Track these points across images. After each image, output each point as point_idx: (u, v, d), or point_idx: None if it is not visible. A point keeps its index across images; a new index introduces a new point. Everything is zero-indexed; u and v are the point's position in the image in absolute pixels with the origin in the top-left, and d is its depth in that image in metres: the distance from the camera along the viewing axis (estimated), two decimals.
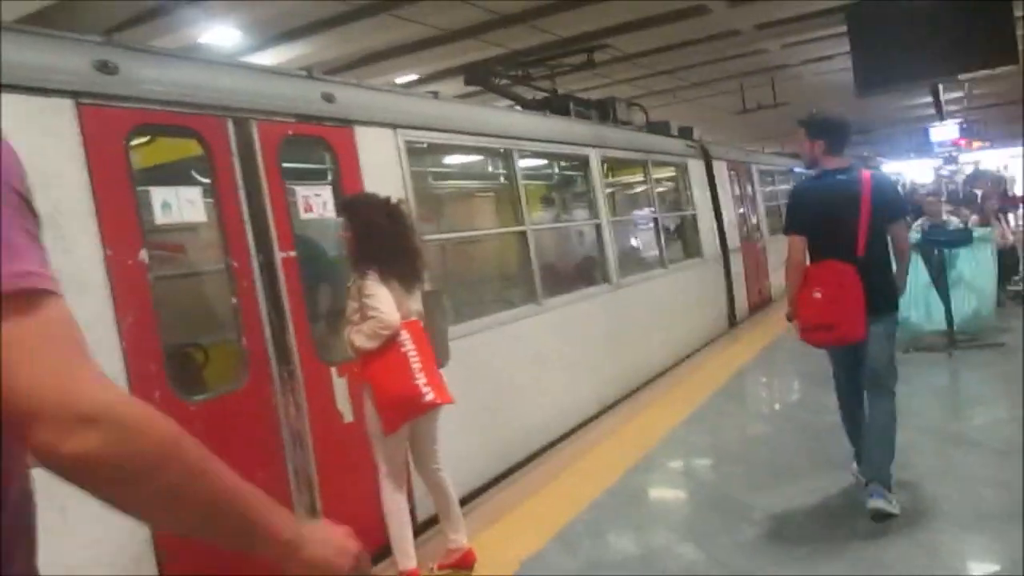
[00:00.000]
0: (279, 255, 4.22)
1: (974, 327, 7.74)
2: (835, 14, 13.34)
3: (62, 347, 0.91)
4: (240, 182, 4.06)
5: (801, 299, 4.27)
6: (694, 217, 10.86)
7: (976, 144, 30.29)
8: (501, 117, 6.97)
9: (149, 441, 0.93)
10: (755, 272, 13.28)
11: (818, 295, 4.16)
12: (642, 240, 10.34)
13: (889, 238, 4.33)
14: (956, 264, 7.63)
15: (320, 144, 4.71)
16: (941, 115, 21.91)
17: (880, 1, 12.97)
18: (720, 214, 11.68)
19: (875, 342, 4.21)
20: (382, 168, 5.01)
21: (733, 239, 12.11)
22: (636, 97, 19.62)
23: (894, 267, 4.36)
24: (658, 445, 5.93)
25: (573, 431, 6.68)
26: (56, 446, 0.86)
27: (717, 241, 11.49)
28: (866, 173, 4.32)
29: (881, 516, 4.08)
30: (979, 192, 13.91)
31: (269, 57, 11.88)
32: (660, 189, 11.06)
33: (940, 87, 18.75)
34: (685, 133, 12.06)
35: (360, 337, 3.84)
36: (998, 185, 14.94)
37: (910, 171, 34.65)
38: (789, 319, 4.49)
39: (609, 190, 9.92)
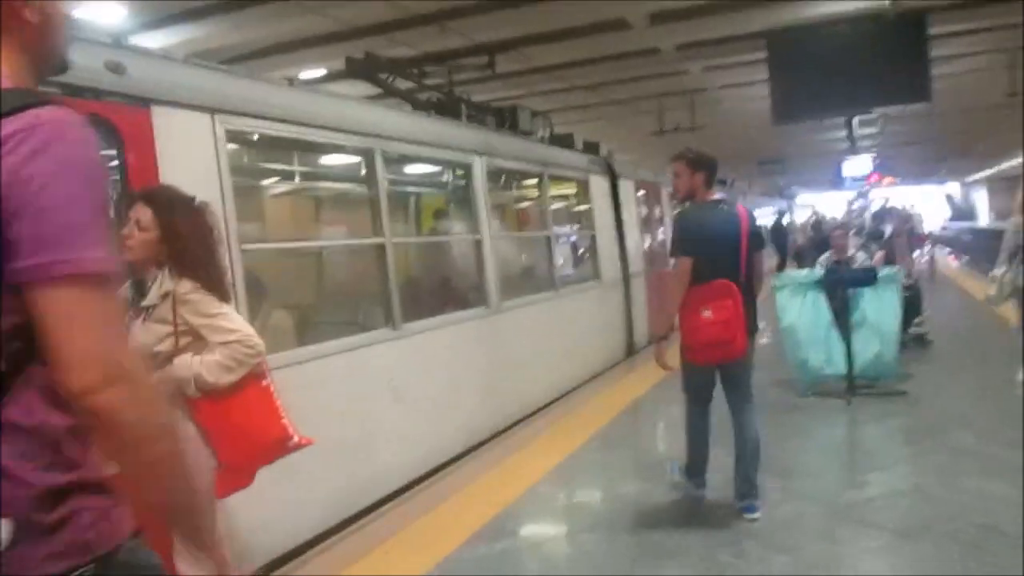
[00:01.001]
0: None
1: (875, 372, 7.19)
2: (757, 40, 13.01)
3: (113, 322, 1.21)
4: None
5: (691, 320, 4.47)
6: (593, 237, 10.11)
7: (888, 180, 30.70)
8: (363, 112, 6.08)
9: (157, 415, 1.24)
10: (660, 299, 12.59)
11: (708, 314, 4.40)
12: (532, 260, 9.57)
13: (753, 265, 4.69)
14: (859, 304, 7.05)
15: (102, 127, 3.78)
16: (854, 147, 21.90)
17: (801, 30, 12.83)
18: (623, 236, 10.99)
19: (748, 359, 4.63)
20: (191, 162, 4.10)
21: (637, 263, 11.46)
22: (552, 111, 19.16)
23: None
24: (514, 503, 5.12)
25: (433, 473, 5.85)
26: (94, 395, 1.15)
27: (618, 264, 10.79)
28: (740, 206, 4.83)
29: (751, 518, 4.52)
30: (887, 228, 13.68)
31: (158, 39, 10.82)
32: (557, 206, 10.43)
33: (855, 120, 18.64)
34: (591, 148, 11.47)
35: (215, 369, 2.98)
36: (906, 222, 14.79)
37: (823, 204, 35.04)
38: (658, 338, 4.90)
39: (501, 204, 9.19)
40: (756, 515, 4.53)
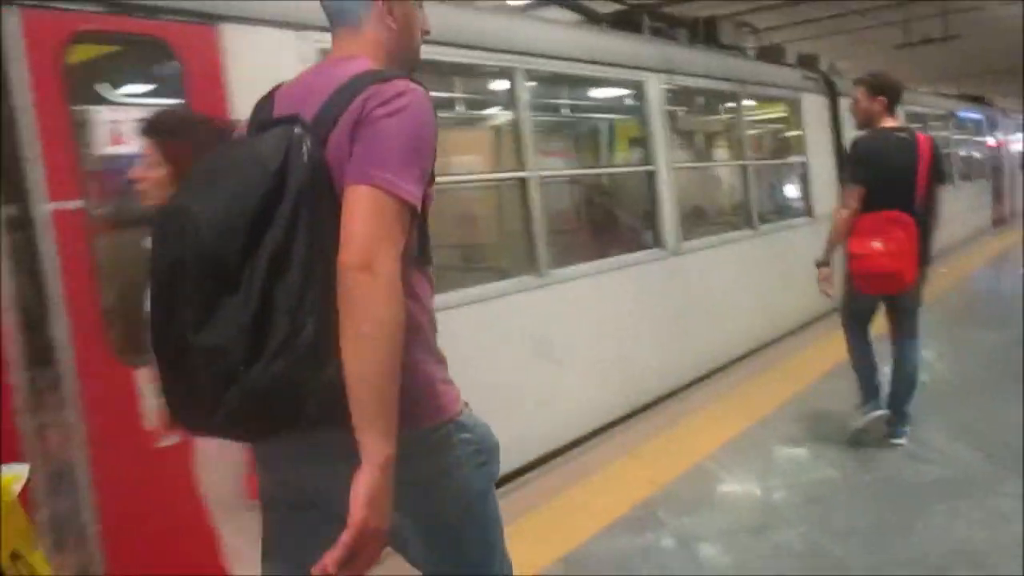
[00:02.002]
0: (47, 207, 2.86)
1: None
2: None
3: (391, 236, 1.44)
4: None
5: (860, 249, 4.44)
6: (805, 166, 8.66)
7: None
8: (500, 25, 5.25)
9: (379, 308, 1.40)
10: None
11: (878, 245, 4.35)
12: (727, 193, 8.41)
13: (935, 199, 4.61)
14: None
15: (159, 50, 3.28)
16: None
17: None
18: (842, 163, 9.41)
19: (916, 294, 4.59)
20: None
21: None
22: (781, 26, 17.36)
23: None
24: (668, 488, 4.29)
25: (588, 438, 5.14)
26: (350, 271, 1.40)
27: (833, 197, 9.24)
28: (921, 136, 4.62)
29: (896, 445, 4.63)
30: None
31: None
32: (757, 131, 9.15)
33: None
34: (807, 63, 9.79)
35: None
36: None
37: None
38: (820, 263, 4.69)
39: (690, 130, 8.10)
40: (902, 440, 4.67)
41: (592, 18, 7.05)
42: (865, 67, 20.81)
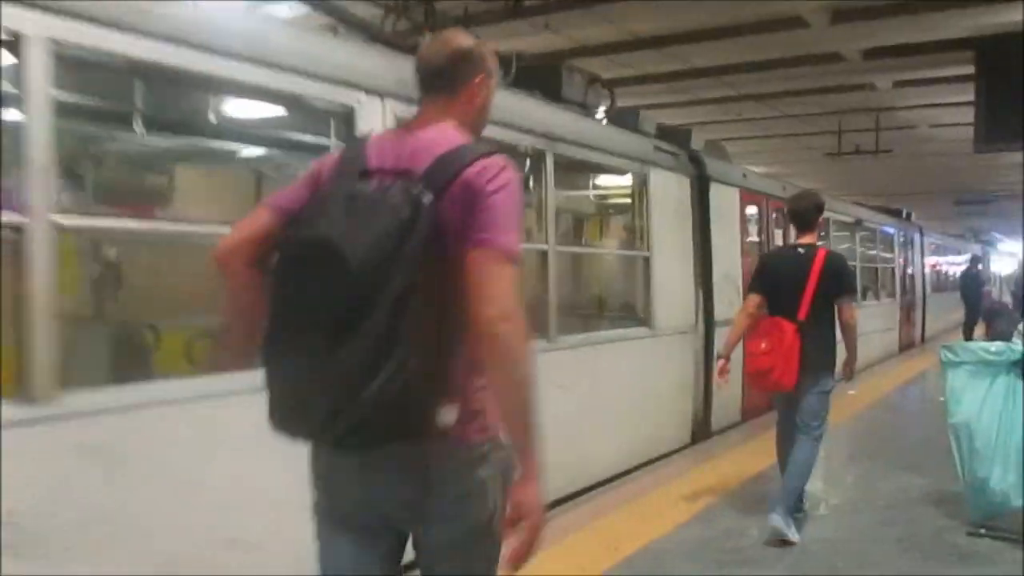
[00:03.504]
0: None
1: None
2: (961, 49, 10.76)
3: (512, 286, 1.76)
4: None
5: (748, 349, 4.93)
6: (647, 261, 6.81)
7: None
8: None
9: (523, 350, 1.77)
10: None
11: (764, 346, 4.79)
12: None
13: (836, 310, 4.91)
14: None
15: None
16: None
17: (1019, 37, 10.48)
18: (710, 263, 7.81)
19: (807, 394, 4.80)
20: None
21: (731, 306, 7.68)
22: (712, 123, 17.24)
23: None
24: None
25: None
26: (496, 324, 1.72)
27: (695, 305, 7.62)
28: (822, 251, 4.99)
29: (778, 539, 4.58)
30: None
31: None
32: (585, 209, 8.29)
33: None
34: (672, 135, 7.95)
35: None
36: None
37: None
38: (718, 357, 5.19)
39: None
40: (777, 524, 4.59)
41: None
42: (799, 172, 20.85)
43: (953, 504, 5.09)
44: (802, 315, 4.75)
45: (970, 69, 9.85)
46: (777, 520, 4.57)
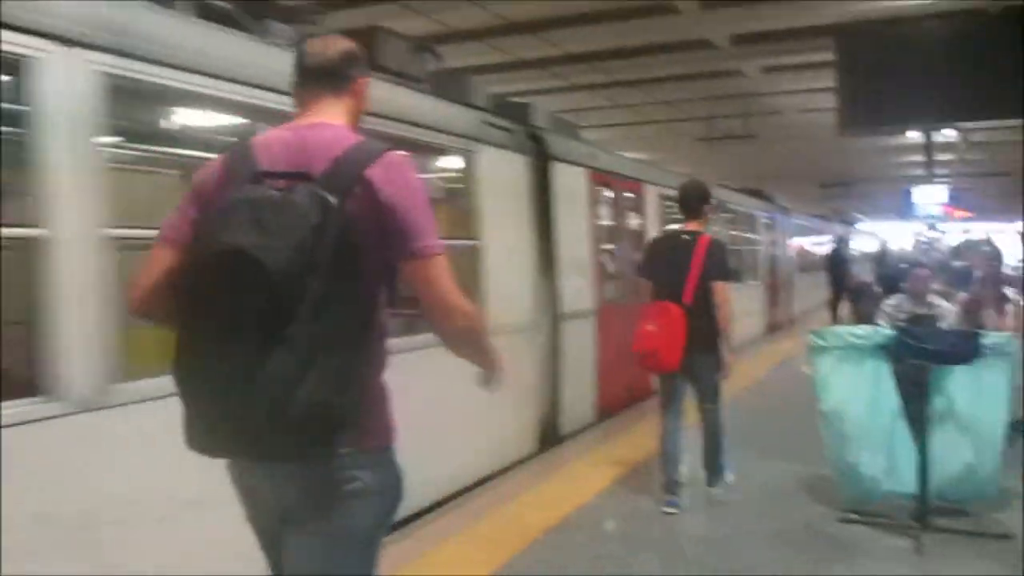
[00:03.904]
0: None
1: (964, 493, 4.63)
2: (824, 36, 11.00)
3: (452, 280, 1.89)
4: None
5: (638, 332, 5.06)
6: (476, 251, 5.88)
7: (960, 214, 28.07)
8: None
9: (478, 328, 2.00)
10: (620, 347, 7.03)
11: (651, 327, 4.99)
12: None
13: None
14: (947, 388, 4.58)
15: None
16: (931, 167, 19.43)
17: (877, 25, 10.78)
18: (553, 251, 7.09)
19: (703, 371, 5.08)
20: None
21: (582, 296, 7.55)
22: (588, 108, 17.24)
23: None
24: None
25: None
26: (455, 324, 1.90)
27: (538, 298, 6.83)
28: (704, 237, 5.19)
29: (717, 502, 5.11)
30: (975, 269, 10.53)
31: None
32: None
33: (932, 139, 16.37)
34: (509, 110, 7.23)
35: None
36: (995, 260, 11.23)
37: (889, 234, 32.19)
38: None
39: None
40: (719, 491, 5.16)
41: None
42: (672, 158, 21.15)
43: (825, 491, 5.07)
44: (687, 298, 4.96)
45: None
46: (715, 483, 5.13)
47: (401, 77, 5.60)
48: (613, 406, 7.89)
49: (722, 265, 5.17)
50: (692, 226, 5.25)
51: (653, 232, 8.96)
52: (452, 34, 11.71)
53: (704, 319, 4.97)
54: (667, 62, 14.24)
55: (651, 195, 9.62)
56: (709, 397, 5.16)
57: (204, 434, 1.79)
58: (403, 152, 1.92)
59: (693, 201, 5.30)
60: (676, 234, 5.39)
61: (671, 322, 4.91)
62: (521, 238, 6.67)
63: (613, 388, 7.98)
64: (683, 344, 4.89)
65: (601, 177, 8.37)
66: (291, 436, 1.70)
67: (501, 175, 6.40)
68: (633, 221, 9.26)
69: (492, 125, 6.40)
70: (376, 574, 1.97)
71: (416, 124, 5.40)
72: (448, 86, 6.41)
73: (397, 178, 1.85)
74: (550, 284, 7.07)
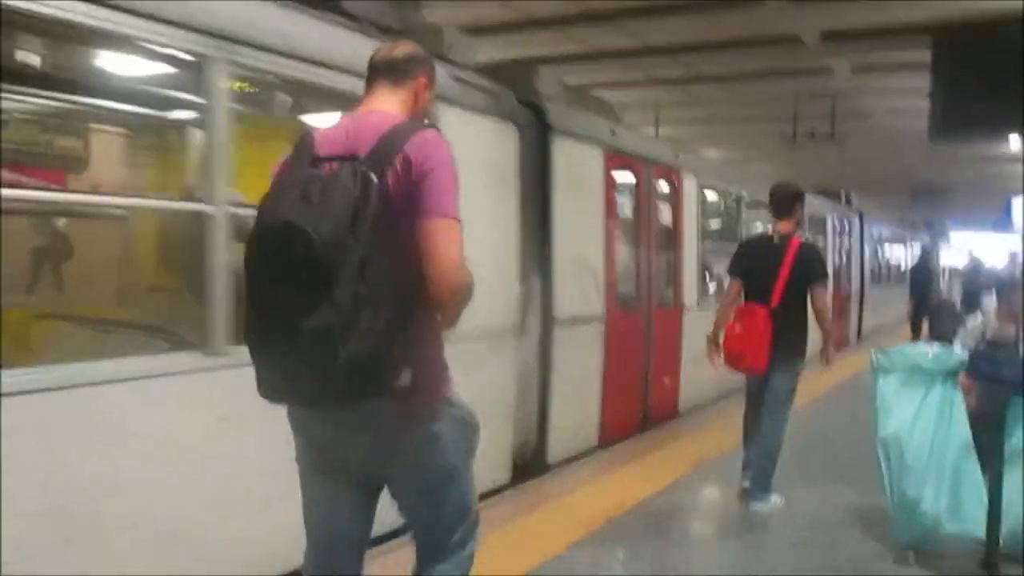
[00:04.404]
0: None
1: None
2: (920, 35, 10.38)
3: (460, 247, 2.10)
4: None
5: (727, 333, 5.21)
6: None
7: None
8: None
9: (470, 291, 2.14)
10: (634, 360, 7.08)
11: (739, 330, 5.13)
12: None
13: (809, 297, 5.18)
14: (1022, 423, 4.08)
15: None
16: None
17: (977, 27, 10.10)
18: (551, 244, 6.07)
19: (776, 376, 5.09)
20: None
21: (585, 300, 6.52)
22: (668, 104, 16.76)
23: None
24: None
25: None
26: (453, 283, 2.09)
27: (524, 298, 5.84)
28: (795, 240, 5.26)
29: (762, 516, 5.00)
30: None
31: None
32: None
33: None
34: (502, 72, 6.19)
35: None
36: None
37: (984, 248, 30.51)
38: (710, 339, 5.39)
39: None
40: (757, 507, 5.10)
41: None
42: (754, 157, 20.38)
43: (879, 525, 4.62)
44: (775, 302, 5.01)
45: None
46: (757, 504, 5.10)
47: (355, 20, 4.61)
48: (624, 428, 6.99)
49: (815, 268, 5.21)
50: (783, 227, 5.28)
51: (690, 231, 8.42)
52: (527, 22, 11.45)
53: (790, 324, 5.01)
54: (751, 57, 13.67)
55: (689, 187, 8.46)
56: (775, 403, 5.13)
57: (269, 384, 2.11)
58: (437, 130, 2.22)
59: (786, 201, 5.33)
60: (766, 236, 5.44)
61: (756, 325, 4.98)
62: (498, 224, 5.42)
63: (625, 407, 7.09)
64: (768, 347, 4.95)
65: (623, 159, 7.14)
66: (339, 386, 1.97)
67: (479, 146, 5.14)
68: (665, 216, 8.11)
69: (464, 82, 5.21)
70: (474, 490, 2.39)
71: (338, 68, 4.05)
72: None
73: (432, 153, 2.12)
74: (542, 283, 6.04)
